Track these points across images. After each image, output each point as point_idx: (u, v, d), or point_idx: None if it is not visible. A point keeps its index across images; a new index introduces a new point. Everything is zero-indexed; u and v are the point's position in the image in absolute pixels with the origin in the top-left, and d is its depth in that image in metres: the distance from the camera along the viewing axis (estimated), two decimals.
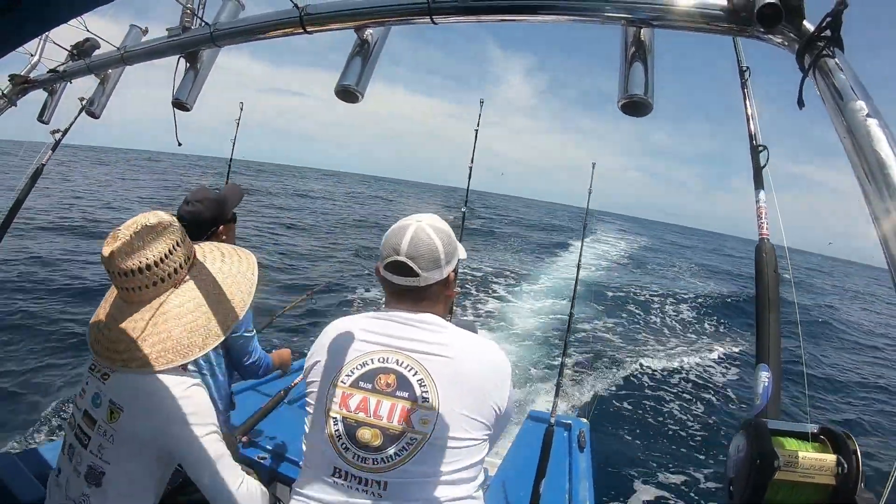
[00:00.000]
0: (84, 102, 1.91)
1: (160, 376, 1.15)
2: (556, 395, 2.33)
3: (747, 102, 1.14)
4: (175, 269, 1.19)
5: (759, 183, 1.00)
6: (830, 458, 0.69)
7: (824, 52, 0.76)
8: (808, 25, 0.79)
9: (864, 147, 0.66)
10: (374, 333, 1.06)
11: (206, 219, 1.90)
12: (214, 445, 1.16)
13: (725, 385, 7.07)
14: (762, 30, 0.79)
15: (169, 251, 1.17)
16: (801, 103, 0.77)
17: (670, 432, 5.41)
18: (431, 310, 1.09)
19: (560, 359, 2.46)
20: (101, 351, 1.19)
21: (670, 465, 4.73)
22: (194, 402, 1.15)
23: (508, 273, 13.76)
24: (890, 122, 0.69)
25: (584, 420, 2.92)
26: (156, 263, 1.15)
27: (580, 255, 2.77)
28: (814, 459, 0.69)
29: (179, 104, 1.28)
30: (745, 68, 1.21)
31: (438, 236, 1.07)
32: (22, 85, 1.97)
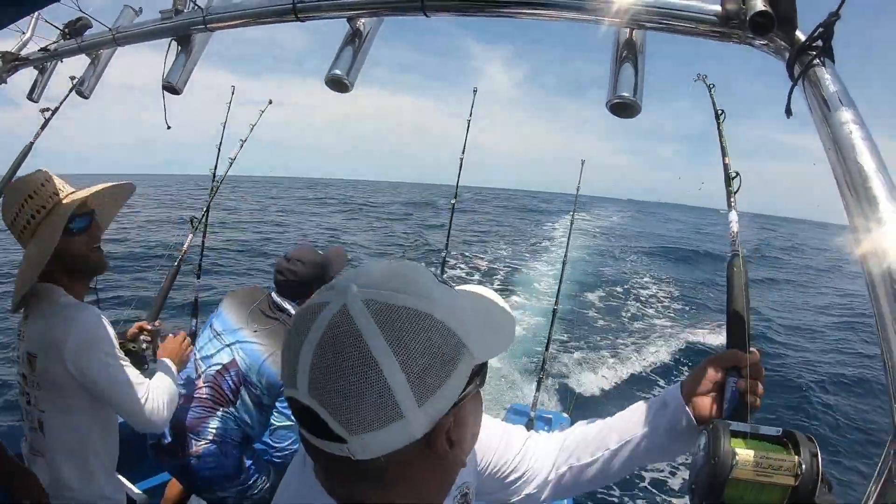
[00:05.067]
0: (74, 82, 1.88)
1: (57, 314, 1.26)
2: (538, 389, 2.34)
3: (722, 141, 1.23)
4: (40, 208, 1.29)
5: (730, 205, 1.06)
6: (790, 458, 0.70)
7: (814, 62, 0.76)
8: (800, 35, 0.79)
9: (848, 158, 0.66)
10: None
11: (305, 280, 1.86)
12: (117, 368, 1.27)
13: None
14: (753, 37, 0.79)
15: (29, 196, 1.28)
16: (788, 112, 0.77)
17: None
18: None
19: (542, 353, 2.47)
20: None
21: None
22: (88, 324, 1.26)
23: (492, 266, 13.78)
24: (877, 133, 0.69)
25: (565, 415, 2.93)
26: (21, 208, 1.28)
27: (566, 252, 2.77)
28: (773, 459, 0.70)
29: (170, 87, 1.27)
30: (720, 112, 1.30)
31: (388, 334, 0.46)
32: (12, 62, 1.94)
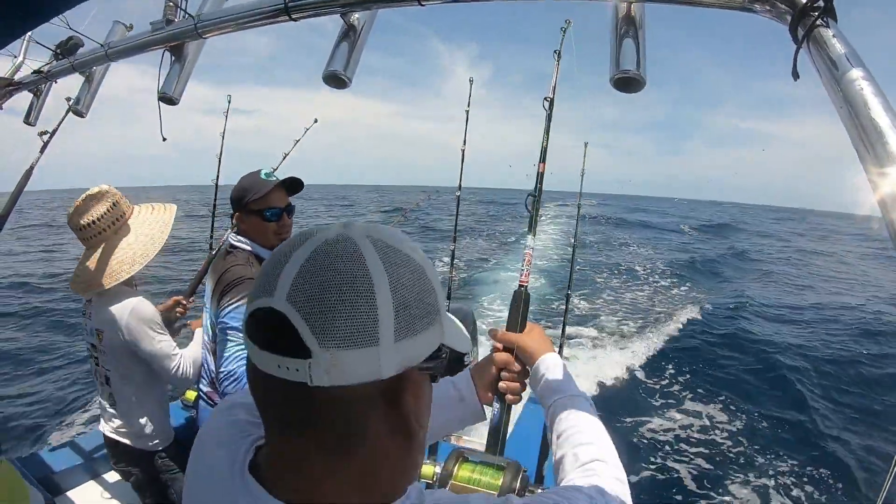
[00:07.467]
0: (70, 102, 1.88)
1: (118, 301, 1.75)
2: None
3: (541, 166, 1.31)
4: (114, 221, 1.77)
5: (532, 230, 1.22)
6: (496, 479, 0.99)
7: (818, 23, 0.74)
8: None
9: (861, 116, 0.65)
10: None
11: (231, 200, 1.85)
12: (158, 341, 1.76)
13: (726, 362, 7.09)
14: (753, 2, 0.78)
15: (107, 210, 1.76)
16: (795, 75, 0.76)
17: (673, 413, 5.43)
18: (339, 475, 0.47)
19: (559, 341, 2.45)
20: (73, 285, 1.80)
21: (672, 447, 4.76)
22: (141, 311, 1.75)
23: (493, 256, 13.73)
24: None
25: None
26: (99, 218, 1.74)
27: (576, 234, 2.77)
28: (483, 479, 1.00)
29: (166, 98, 1.26)
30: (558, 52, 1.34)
31: (386, 263, 0.46)
32: (7, 88, 1.94)
